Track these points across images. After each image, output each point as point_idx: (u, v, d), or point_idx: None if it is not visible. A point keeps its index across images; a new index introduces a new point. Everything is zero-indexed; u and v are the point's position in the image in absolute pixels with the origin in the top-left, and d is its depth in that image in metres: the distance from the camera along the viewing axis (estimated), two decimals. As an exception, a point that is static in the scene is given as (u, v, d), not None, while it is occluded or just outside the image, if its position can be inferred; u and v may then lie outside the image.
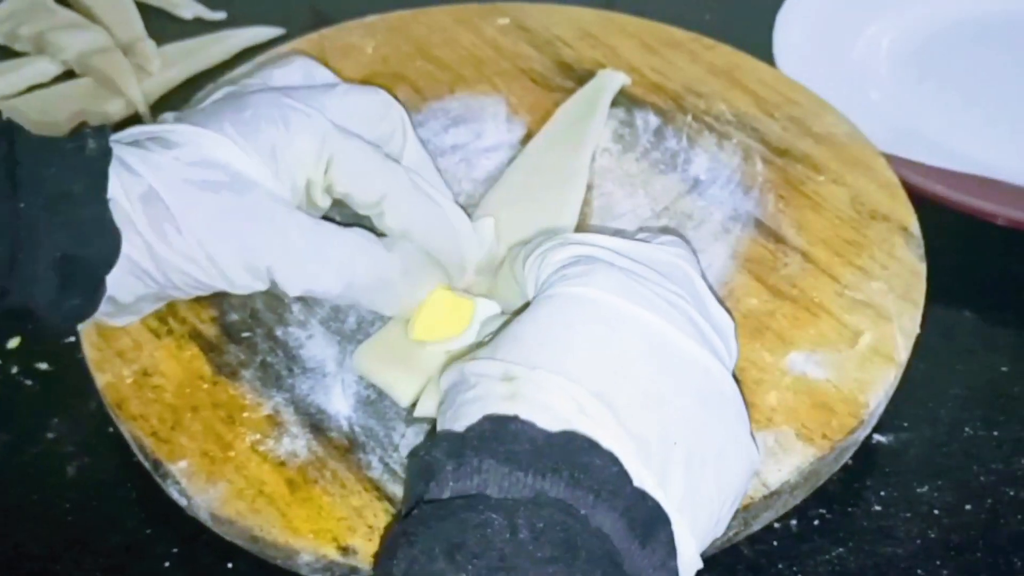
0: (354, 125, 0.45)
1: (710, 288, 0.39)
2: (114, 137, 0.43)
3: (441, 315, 0.45)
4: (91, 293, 0.42)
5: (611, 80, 0.58)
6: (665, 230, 0.50)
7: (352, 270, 0.43)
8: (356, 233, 0.44)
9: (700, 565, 0.35)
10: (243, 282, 0.42)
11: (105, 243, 0.40)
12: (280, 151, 0.43)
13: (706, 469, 0.35)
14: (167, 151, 0.42)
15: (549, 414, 0.34)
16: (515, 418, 0.34)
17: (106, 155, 0.41)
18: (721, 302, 0.39)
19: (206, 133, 0.42)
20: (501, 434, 0.33)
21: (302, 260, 0.42)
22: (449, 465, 0.33)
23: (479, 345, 0.42)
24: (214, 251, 0.41)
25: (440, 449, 0.34)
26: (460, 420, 0.35)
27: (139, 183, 0.41)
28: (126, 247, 0.41)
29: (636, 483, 0.33)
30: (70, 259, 0.40)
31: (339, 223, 0.44)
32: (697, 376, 0.36)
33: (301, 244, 0.42)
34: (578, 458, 0.33)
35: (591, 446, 0.33)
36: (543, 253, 0.40)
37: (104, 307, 0.43)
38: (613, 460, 0.33)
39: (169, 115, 0.45)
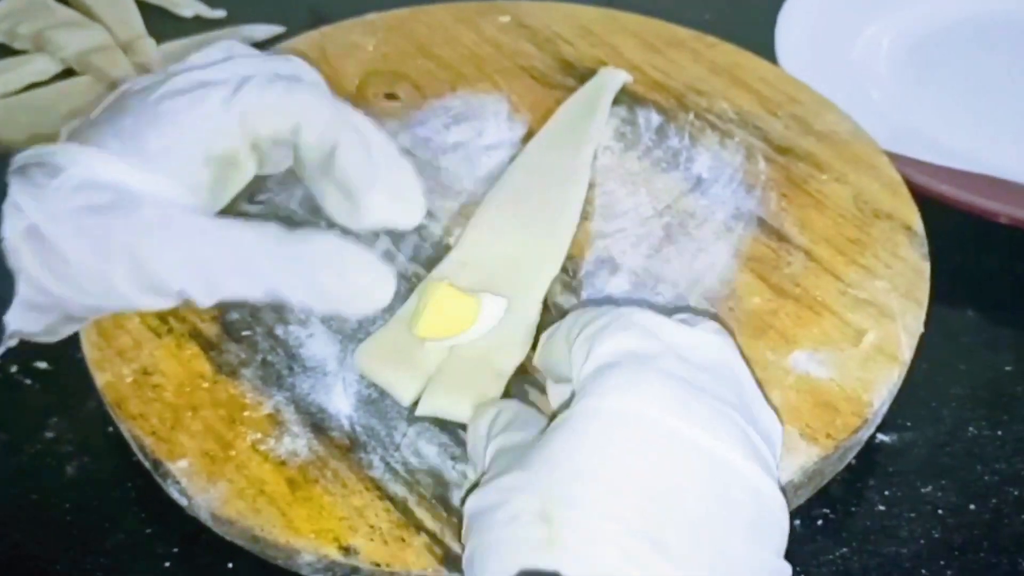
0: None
1: (757, 384, 0.37)
2: (11, 166, 0.40)
3: (446, 312, 0.44)
4: None
5: (612, 78, 0.58)
6: (697, 311, 0.47)
7: (267, 269, 0.39)
8: (266, 228, 0.40)
9: None
10: (148, 303, 0.40)
11: (1, 286, 0.39)
12: (172, 152, 0.40)
13: None
14: (51, 179, 0.39)
15: (591, 566, 0.31)
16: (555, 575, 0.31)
17: (2, 193, 0.39)
18: (769, 401, 0.37)
19: (88, 151, 0.40)
20: None
21: (210, 269, 0.39)
22: None
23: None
24: (111, 277, 0.39)
25: None
26: (490, 559, 0.33)
27: (22, 219, 0.38)
28: (22, 286, 0.39)
29: None
30: None
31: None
32: (749, 500, 0.33)
33: (206, 252, 0.39)
34: None
35: None
36: (593, 335, 0.36)
37: (13, 334, 0.41)
38: None
39: (72, 124, 0.43)
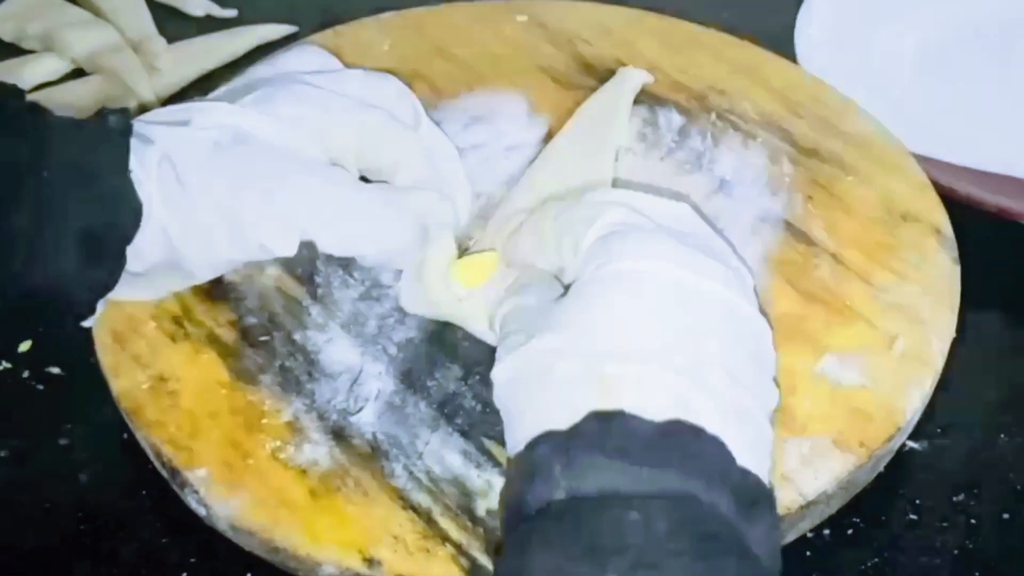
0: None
1: (725, 243, 0.41)
2: (137, 118, 0.43)
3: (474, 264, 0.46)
4: (112, 265, 0.42)
5: (632, 78, 0.57)
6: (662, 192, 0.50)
7: (392, 226, 0.45)
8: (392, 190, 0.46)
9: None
10: (270, 241, 0.43)
11: (126, 214, 0.41)
12: (301, 118, 0.44)
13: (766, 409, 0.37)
14: (185, 121, 0.43)
15: (652, 405, 0.34)
16: (621, 413, 0.34)
17: (127, 130, 0.42)
18: (719, 232, 0.42)
19: (220, 105, 0.43)
20: (609, 430, 0.34)
21: (340, 215, 0.44)
22: (557, 464, 0.33)
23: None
24: (239, 210, 0.41)
25: (545, 447, 0.34)
26: (544, 416, 0.35)
27: (153, 151, 0.41)
28: (145, 217, 0.41)
29: (740, 461, 0.34)
30: (93, 232, 0.41)
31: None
32: (750, 335, 0.38)
33: (338, 196, 0.44)
34: (688, 447, 0.33)
35: (697, 433, 0.34)
36: (581, 219, 0.40)
37: (123, 280, 0.43)
38: (719, 444, 0.34)
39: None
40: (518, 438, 0.36)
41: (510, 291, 0.42)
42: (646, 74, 0.57)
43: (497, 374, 0.38)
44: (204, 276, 0.46)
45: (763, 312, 0.39)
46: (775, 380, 0.38)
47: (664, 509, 0.32)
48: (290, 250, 0.43)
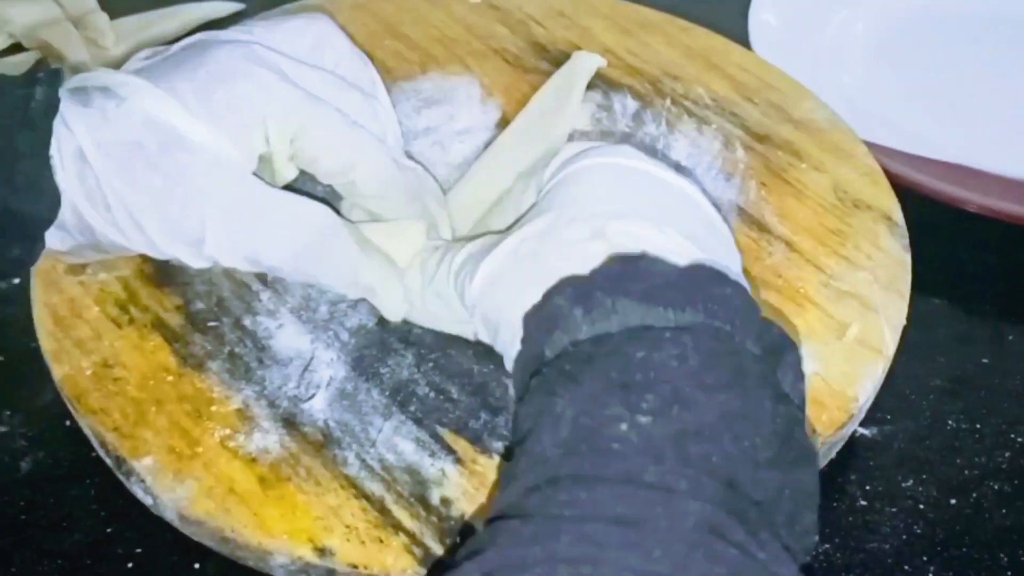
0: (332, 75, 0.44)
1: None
2: (67, 84, 0.41)
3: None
4: (31, 246, 0.41)
5: (586, 62, 0.56)
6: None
7: (305, 250, 0.41)
8: (317, 209, 0.42)
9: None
10: (171, 251, 0.41)
11: (45, 201, 0.39)
12: (235, 114, 0.41)
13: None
14: (108, 105, 0.40)
15: (671, 251, 0.34)
16: (643, 255, 0.33)
17: (52, 109, 0.39)
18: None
19: (154, 91, 0.40)
20: (632, 272, 0.33)
21: (239, 227, 0.40)
22: (577, 310, 0.33)
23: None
24: (140, 216, 0.40)
25: (563, 296, 0.33)
26: (553, 276, 0.34)
27: (72, 141, 0.39)
28: (64, 203, 0.40)
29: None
30: (10, 213, 0.39)
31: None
32: (719, 228, 0.38)
33: (240, 210, 0.40)
34: (711, 289, 0.33)
35: (721, 277, 0.33)
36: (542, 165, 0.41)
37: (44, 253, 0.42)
38: (742, 289, 0.34)
39: (141, 54, 0.43)
40: (517, 316, 0.35)
41: (449, 249, 0.41)
42: (600, 58, 0.56)
43: (477, 280, 0.37)
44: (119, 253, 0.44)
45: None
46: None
47: (696, 343, 0.31)
48: (205, 265, 0.41)
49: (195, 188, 0.40)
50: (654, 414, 0.29)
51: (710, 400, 0.30)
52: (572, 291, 0.33)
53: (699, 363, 0.30)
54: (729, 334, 0.32)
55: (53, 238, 0.41)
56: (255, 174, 0.42)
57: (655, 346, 0.31)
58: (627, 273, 0.33)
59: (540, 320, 0.34)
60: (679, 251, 0.35)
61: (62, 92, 0.40)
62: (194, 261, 0.41)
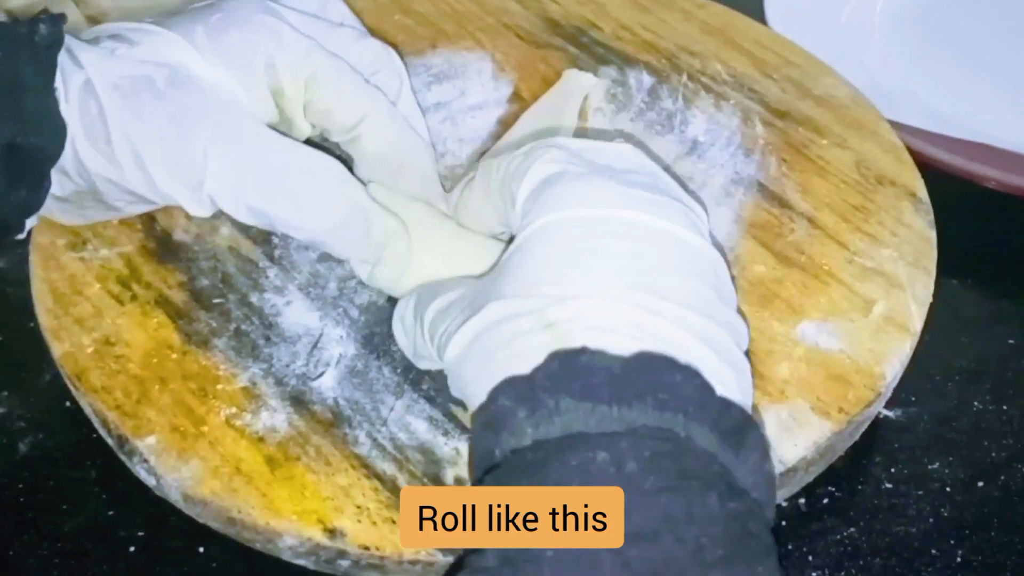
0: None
1: (671, 177, 0.39)
2: (81, 35, 0.40)
3: None
4: (37, 185, 0.39)
5: (578, 82, 0.53)
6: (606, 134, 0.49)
7: (313, 199, 0.39)
8: (329, 160, 0.40)
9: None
10: (172, 192, 0.39)
11: (52, 134, 0.38)
12: (248, 56, 0.40)
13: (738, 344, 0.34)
14: (119, 46, 0.39)
15: (614, 340, 0.31)
16: (584, 349, 0.31)
17: (57, 43, 0.38)
18: (687, 189, 0.39)
19: (166, 34, 0.39)
20: (574, 368, 0.31)
21: (243, 170, 0.39)
22: (521, 412, 0.31)
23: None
24: (141, 148, 0.38)
25: (507, 396, 0.32)
26: (502, 370, 0.32)
27: (78, 74, 0.38)
28: (68, 140, 0.38)
29: (720, 391, 0.32)
30: (17, 148, 0.37)
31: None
32: (706, 266, 0.35)
33: (246, 151, 0.39)
34: (660, 379, 0.31)
35: (669, 363, 0.31)
36: (515, 171, 0.37)
37: (48, 202, 0.40)
38: (694, 373, 0.31)
39: (147, 20, 0.42)
40: (476, 405, 0.34)
41: (423, 296, 0.39)
42: (592, 77, 0.53)
43: (448, 356, 0.35)
44: (129, 211, 0.43)
45: (718, 247, 0.36)
46: (741, 314, 0.36)
47: (634, 447, 0.29)
48: (204, 212, 0.39)
49: (202, 123, 0.38)
50: None
51: (650, 504, 0.28)
52: (514, 392, 0.32)
53: (636, 468, 0.29)
54: (673, 433, 0.30)
55: (53, 183, 0.40)
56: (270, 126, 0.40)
57: (591, 453, 0.29)
58: (568, 370, 0.31)
59: (487, 421, 0.32)
60: (635, 326, 0.32)
61: (69, 38, 0.39)
62: (192, 205, 0.39)
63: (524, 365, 0.32)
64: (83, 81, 0.38)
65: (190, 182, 0.38)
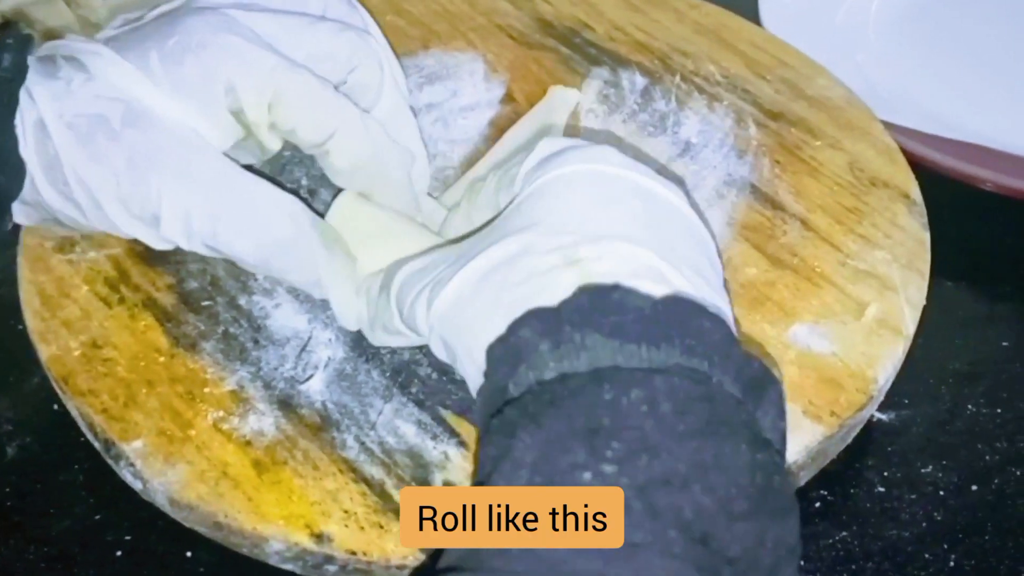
0: (315, 66, 0.41)
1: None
2: (37, 52, 0.40)
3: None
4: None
5: (562, 98, 0.53)
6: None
7: (264, 230, 0.39)
8: (279, 193, 0.40)
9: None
10: (131, 230, 0.39)
11: (11, 174, 0.38)
12: (206, 84, 0.39)
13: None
14: (75, 77, 0.38)
15: (642, 282, 0.31)
16: (616, 287, 0.31)
17: (19, 75, 0.38)
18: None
19: (122, 64, 0.39)
20: (605, 304, 0.30)
21: (198, 208, 0.38)
22: (544, 344, 0.30)
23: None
24: (98, 192, 0.38)
25: (530, 328, 0.31)
26: (519, 306, 0.31)
27: (34, 111, 0.38)
28: (28, 177, 0.38)
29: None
30: None
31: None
32: (705, 239, 0.35)
33: (201, 190, 0.38)
34: (689, 323, 0.31)
35: (699, 309, 0.31)
36: (515, 169, 0.37)
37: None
38: (720, 322, 0.31)
39: (115, 21, 0.42)
40: (480, 345, 0.32)
41: (391, 269, 0.38)
42: (577, 92, 0.53)
43: (436, 308, 0.34)
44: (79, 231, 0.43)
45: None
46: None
47: (669, 386, 0.28)
48: (166, 246, 0.39)
49: (156, 164, 0.38)
50: (620, 463, 0.27)
51: (681, 448, 0.27)
52: (539, 324, 0.31)
53: (671, 409, 0.28)
54: (706, 375, 0.30)
55: (19, 213, 0.40)
56: (232, 152, 0.40)
57: (624, 389, 0.28)
58: (598, 306, 0.30)
59: (504, 353, 0.31)
60: (659, 274, 0.32)
61: (30, 60, 0.39)
62: (154, 242, 0.39)
63: (550, 298, 0.31)
64: (36, 119, 0.38)
65: (147, 220, 0.38)
